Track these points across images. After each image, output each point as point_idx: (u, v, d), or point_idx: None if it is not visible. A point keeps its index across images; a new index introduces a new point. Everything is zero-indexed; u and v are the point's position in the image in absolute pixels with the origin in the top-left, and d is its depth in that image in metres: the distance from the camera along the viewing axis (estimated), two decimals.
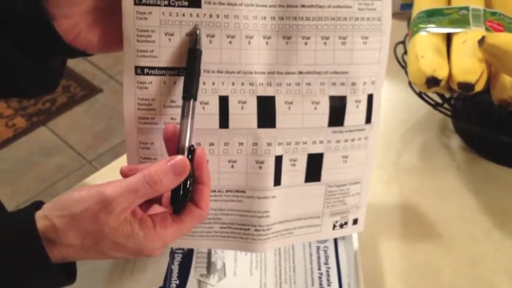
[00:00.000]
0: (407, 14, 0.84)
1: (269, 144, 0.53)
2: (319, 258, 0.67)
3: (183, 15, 0.49)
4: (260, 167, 0.54)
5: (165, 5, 0.49)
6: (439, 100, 0.78)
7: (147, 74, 0.50)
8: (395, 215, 0.74)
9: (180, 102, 0.50)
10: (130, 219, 0.46)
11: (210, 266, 0.64)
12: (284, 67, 0.52)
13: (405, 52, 0.80)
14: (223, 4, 0.50)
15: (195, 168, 0.48)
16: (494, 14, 0.76)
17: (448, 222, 0.73)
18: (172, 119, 0.51)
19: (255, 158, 0.53)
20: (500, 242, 0.70)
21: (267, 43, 0.51)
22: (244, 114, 0.52)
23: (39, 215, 0.46)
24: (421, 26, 0.77)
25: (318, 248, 0.68)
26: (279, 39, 0.52)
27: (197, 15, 0.49)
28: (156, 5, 0.49)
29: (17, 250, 0.44)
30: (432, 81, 0.70)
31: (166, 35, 0.49)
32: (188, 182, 0.48)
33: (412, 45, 0.76)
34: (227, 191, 0.55)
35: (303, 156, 0.55)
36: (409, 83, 0.77)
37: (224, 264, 0.64)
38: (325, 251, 0.68)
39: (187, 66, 0.50)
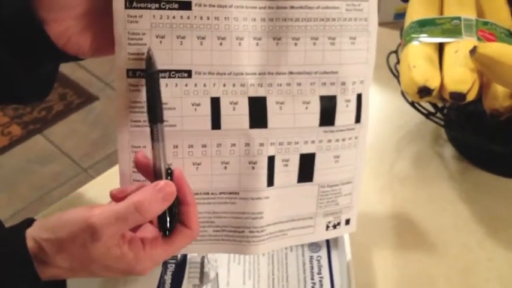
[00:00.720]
0: (401, 23, 0.85)
1: (261, 144, 0.54)
2: (312, 267, 0.67)
3: (174, 17, 0.50)
4: (253, 168, 0.54)
5: (155, 8, 0.49)
6: (432, 109, 0.78)
7: (139, 76, 0.50)
8: (389, 225, 0.74)
9: (172, 104, 0.51)
10: (119, 242, 0.46)
11: (203, 276, 0.64)
12: (275, 68, 0.53)
13: (398, 61, 0.80)
14: (214, 6, 0.50)
15: (177, 189, 0.48)
16: (486, 23, 0.77)
17: (441, 232, 0.73)
18: (164, 120, 0.51)
19: (247, 158, 0.54)
20: (494, 250, 0.70)
21: (257, 44, 0.52)
22: (236, 115, 0.53)
23: (29, 235, 0.46)
24: (413, 35, 0.77)
25: (311, 257, 0.68)
26: (269, 40, 0.52)
27: (188, 18, 0.50)
28: (146, 8, 0.49)
29: (9, 270, 0.45)
30: (424, 91, 0.70)
31: (157, 37, 0.50)
32: (173, 205, 0.48)
33: (405, 54, 0.76)
34: (220, 193, 0.55)
35: (295, 157, 0.56)
36: (402, 93, 0.77)
37: (217, 274, 0.64)
38: (318, 261, 0.68)
39: (148, 92, 0.50)
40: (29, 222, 0.47)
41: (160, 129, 0.49)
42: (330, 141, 0.56)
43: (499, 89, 0.70)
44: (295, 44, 0.53)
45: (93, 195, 0.76)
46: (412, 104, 0.78)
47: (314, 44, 0.53)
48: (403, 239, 0.72)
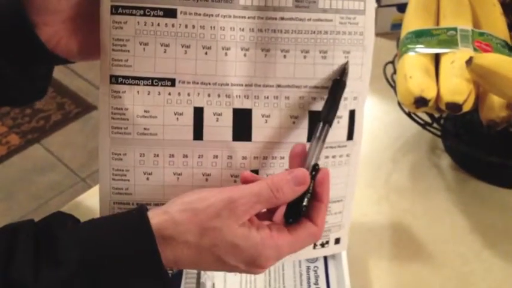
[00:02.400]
0: (398, 33, 0.85)
1: (244, 157, 0.53)
2: (309, 278, 0.67)
3: (158, 25, 0.49)
4: (235, 181, 0.53)
5: (140, 15, 0.49)
6: (428, 120, 0.78)
7: (121, 83, 0.50)
8: (386, 235, 0.74)
9: (153, 112, 0.50)
10: (249, 224, 0.46)
11: (199, 287, 0.64)
12: (262, 80, 0.52)
13: (394, 72, 0.81)
14: (200, 15, 0.50)
15: (316, 184, 0.48)
16: (482, 34, 0.77)
17: (438, 242, 0.73)
18: (145, 129, 0.51)
19: (229, 171, 0.53)
20: (490, 261, 0.70)
21: (245, 55, 0.51)
22: (220, 126, 0.52)
23: (155, 212, 0.45)
24: (409, 46, 0.77)
25: (308, 267, 0.68)
26: (257, 51, 0.51)
27: (172, 26, 0.50)
28: (131, 14, 0.49)
29: (129, 247, 0.44)
30: (420, 102, 0.70)
31: (141, 44, 0.49)
32: (306, 197, 0.48)
33: (401, 65, 0.76)
34: None
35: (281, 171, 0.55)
36: (399, 103, 0.77)
37: (214, 284, 0.64)
38: (315, 271, 0.68)
39: (333, 95, 0.51)
40: (146, 207, 0.46)
41: (326, 131, 0.50)
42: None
43: (495, 100, 0.70)
44: (284, 57, 0.52)
45: (91, 205, 0.76)
46: (408, 114, 0.78)
47: (304, 57, 0.52)
48: (400, 250, 0.72)
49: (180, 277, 0.65)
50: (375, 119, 0.90)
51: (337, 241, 0.59)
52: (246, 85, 0.52)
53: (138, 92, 0.50)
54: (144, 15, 0.49)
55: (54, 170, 2.00)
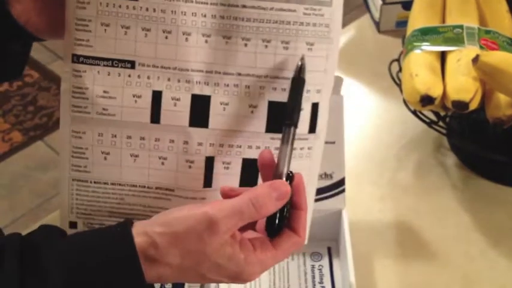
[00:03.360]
0: (403, 31, 0.85)
1: (200, 144, 0.52)
2: (313, 277, 0.67)
3: (120, 6, 0.50)
4: (190, 167, 0.53)
5: None
6: (434, 118, 0.78)
7: (82, 62, 0.51)
8: (391, 233, 0.74)
9: (112, 93, 0.51)
10: (231, 242, 0.46)
11: (203, 285, 0.64)
12: (222, 67, 0.51)
13: (400, 70, 0.80)
14: None
15: (293, 193, 0.48)
16: (488, 32, 0.76)
17: (443, 241, 0.72)
18: (104, 109, 0.51)
19: (185, 156, 0.53)
20: (496, 260, 0.70)
21: (206, 41, 0.51)
22: (177, 111, 0.52)
23: (137, 230, 0.45)
24: (415, 44, 0.77)
25: (313, 266, 0.68)
26: (218, 38, 0.51)
27: (133, 8, 0.50)
28: None
29: (113, 266, 0.44)
30: (426, 100, 0.70)
31: (102, 25, 0.50)
32: (286, 208, 0.48)
33: (407, 63, 0.76)
34: (157, 188, 0.54)
35: (237, 160, 0.54)
36: (404, 101, 0.77)
37: (218, 285, 0.64)
38: (320, 270, 0.68)
39: (293, 95, 0.50)
40: (131, 222, 0.46)
41: (293, 134, 0.49)
42: (277, 148, 0.52)
43: (502, 98, 0.70)
44: (245, 45, 0.51)
45: None
46: (414, 112, 0.77)
47: (266, 46, 0.51)
48: (405, 248, 0.72)
49: None
50: (380, 116, 0.89)
51: None
52: (206, 71, 0.51)
53: (98, 72, 0.51)
54: None
55: (56, 168, 1.99)
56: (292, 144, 0.49)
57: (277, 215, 0.47)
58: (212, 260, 0.45)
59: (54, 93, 2.26)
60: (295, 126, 0.49)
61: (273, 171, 0.49)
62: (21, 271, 0.43)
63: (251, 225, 0.49)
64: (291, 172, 0.48)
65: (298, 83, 0.50)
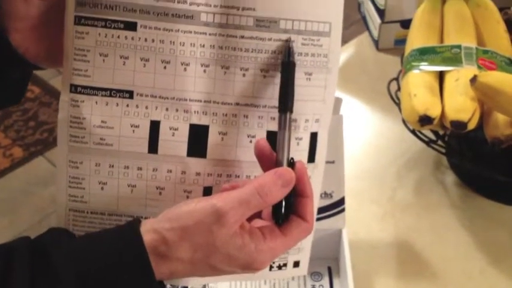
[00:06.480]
0: (401, 49, 0.85)
1: (197, 174, 0.52)
2: None
3: (118, 37, 0.50)
4: (187, 197, 0.53)
5: (101, 26, 0.50)
6: (433, 137, 0.79)
7: (80, 92, 0.51)
8: (391, 252, 0.74)
9: (110, 123, 0.51)
10: (241, 232, 0.46)
11: None
12: (221, 97, 0.52)
13: (399, 89, 0.81)
14: (159, 29, 0.50)
15: (296, 181, 0.48)
16: (486, 52, 0.77)
17: (443, 259, 0.73)
18: (101, 139, 0.51)
19: (182, 187, 0.53)
20: (495, 278, 0.70)
21: (204, 71, 0.51)
22: (175, 141, 0.52)
23: (145, 228, 0.45)
24: (413, 63, 0.78)
25: (313, 286, 0.68)
26: (217, 68, 0.51)
27: (132, 38, 0.50)
28: (93, 25, 0.50)
29: (123, 266, 0.44)
30: (425, 120, 0.70)
31: (100, 55, 0.50)
32: (291, 194, 0.48)
33: (405, 83, 0.77)
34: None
35: None
36: (403, 120, 0.77)
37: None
38: None
39: (283, 79, 0.50)
40: (139, 220, 0.47)
41: (289, 119, 0.49)
42: None
43: (500, 117, 0.70)
44: (244, 75, 0.51)
45: None
46: (413, 131, 0.78)
47: (264, 76, 0.51)
48: (405, 267, 0.72)
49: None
50: (379, 135, 0.90)
51: (296, 264, 0.57)
52: (204, 101, 0.52)
53: (96, 102, 0.51)
54: (105, 26, 0.50)
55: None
56: (289, 129, 0.49)
57: (283, 202, 0.48)
58: (223, 252, 0.45)
59: (55, 108, 2.27)
60: (291, 111, 0.50)
61: (275, 158, 0.49)
62: (31, 271, 0.43)
63: (257, 214, 0.49)
64: (292, 159, 0.49)
65: (288, 66, 0.50)
